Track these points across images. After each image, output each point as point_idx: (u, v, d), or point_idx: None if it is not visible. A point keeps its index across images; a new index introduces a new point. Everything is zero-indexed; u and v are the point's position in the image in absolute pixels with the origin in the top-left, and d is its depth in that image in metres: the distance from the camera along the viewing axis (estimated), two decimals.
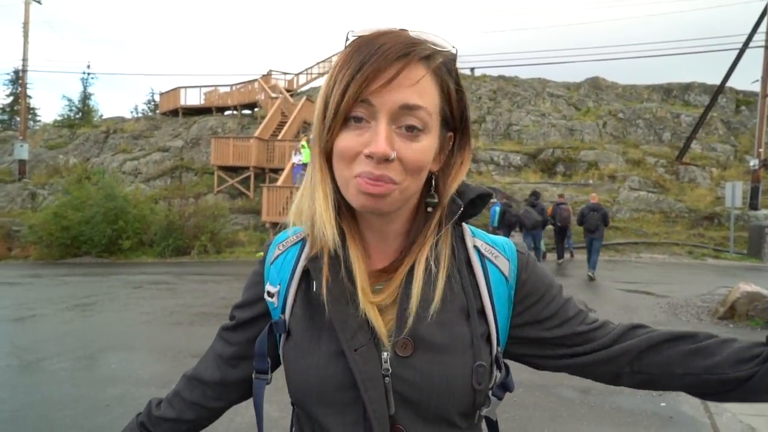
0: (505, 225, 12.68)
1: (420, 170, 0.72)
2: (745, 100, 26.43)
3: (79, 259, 15.93)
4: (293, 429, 0.86)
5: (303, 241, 0.83)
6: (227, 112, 28.38)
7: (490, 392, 0.78)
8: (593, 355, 0.81)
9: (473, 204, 0.82)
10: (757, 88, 18.69)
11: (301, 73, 29.24)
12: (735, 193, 15.73)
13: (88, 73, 41.67)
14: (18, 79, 34.59)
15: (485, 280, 0.80)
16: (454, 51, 0.74)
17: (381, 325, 0.73)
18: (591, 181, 20.80)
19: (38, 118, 44.74)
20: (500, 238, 0.87)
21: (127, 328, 6.70)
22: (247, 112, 27.47)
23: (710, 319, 7.04)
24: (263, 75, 27.71)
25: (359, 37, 0.71)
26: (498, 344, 0.80)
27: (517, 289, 0.82)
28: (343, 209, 0.77)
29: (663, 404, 4.17)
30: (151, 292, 9.63)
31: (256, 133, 20.60)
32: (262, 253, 0.89)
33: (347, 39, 0.72)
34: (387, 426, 0.71)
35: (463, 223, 0.85)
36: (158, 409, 0.95)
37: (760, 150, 17.69)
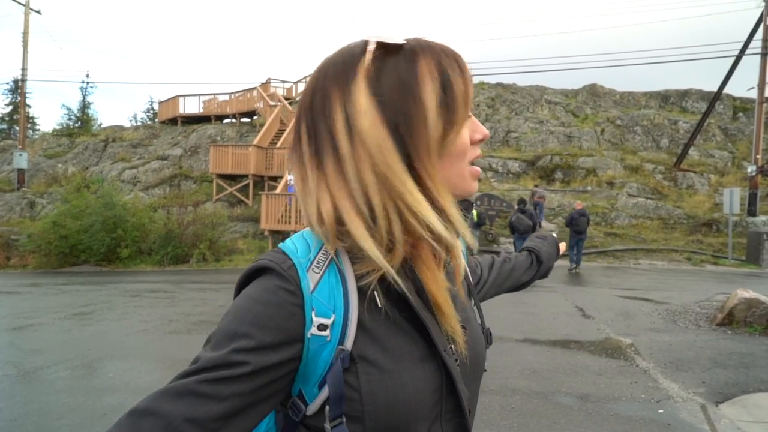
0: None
1: None
2: (742, 106, 26.55)
3: (77, 267, 15.90)
4: None
5: (334, 259, 0.73)
6: (226, 121, 28.44)
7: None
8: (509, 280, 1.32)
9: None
10: (754, 95, 18.78)
11: (299, 81, 29.32)
12: (733, 199, 15.76)
13: (87, 82, 41.89)
14: (17, 88, 34.69)
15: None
16: None
17: (460, 334, 0.77)
18: (589, 188, 20.83)
19: (37, 127, 44.82)
20: None
21: (125, 336, 6.69)
22: (245, 120, 27.54)
23: (708, 326, 7.04)
24: (262, 83, 27.81)
25: (424, 41, 0.74)
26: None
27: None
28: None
29: (661, 411, 4.17)
30: (150, 300, 9.61)
31: (255, 141, 20.65)
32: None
33: (391, 42, 0.71)
34: (473, 414, 0.82)
35: None
36: None
37: (758, 156, 17.75)
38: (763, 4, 18.18)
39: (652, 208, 18.74)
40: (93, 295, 10.39)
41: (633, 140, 24.85)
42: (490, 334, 0.95)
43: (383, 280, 0.70)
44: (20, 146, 24.49)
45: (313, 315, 0.69)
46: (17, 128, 35.04)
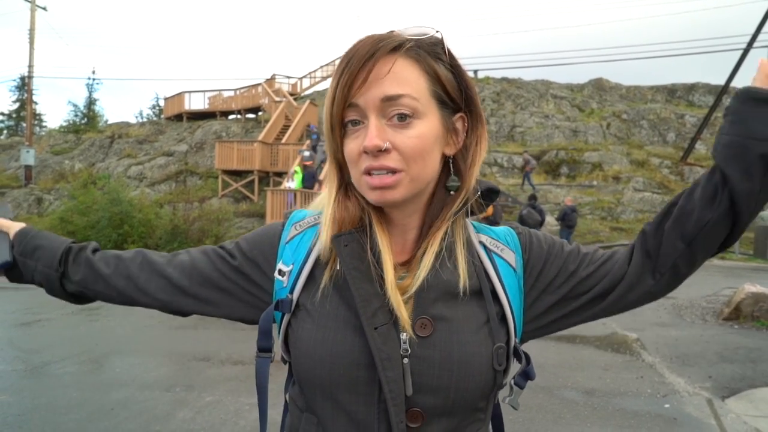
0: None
1: (422, 156, 0.74)
2: None
3: None
4: (286, 427, 0.87)
5: (319, 225, 0.82)
6: (231, 117, 28.47)
7: (512, 381, 0.81)
8: (617, 290, 0.82)
9: (484, 196, 0.84)
10: None
11: (304, 76, 29.34)
12: None
13: (94, 79, 42.06)
14: (24, 85, 34.87)
15: (495, 271, 0.81)
16: (435, 34, 0.76)
17: (402, 307, 0.74)
18: (595, 183, 20.75)
19: (44, 124, 45.08)
20: (501, 229, 0.88)
21: (131, 332, 6.73)
22: (251, 116, 27.56)
23: (715, 320, 7.02)
24: (267, 79, 27.81)
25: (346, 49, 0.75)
26: (515, 334, 0.80)
27: (525, 274, 0.84)
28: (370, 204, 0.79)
29: (667, 405, 4.16)
30: None
31: (260, 137, 20.66)
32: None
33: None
34: (403, 408, 0.71)
35: (467, 219, 0.85)
36: (93, 254, 0.92)
37: None
38: None
39: (658, 203, 18.64)
40: None
41: (639, 134, 24.71)
42: (506, 355, 0.78)
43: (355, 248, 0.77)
44: (27, 143, 24.61)
45: (280, 262, 0.84)
46: (24, 125, 35.21)
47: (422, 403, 0.73)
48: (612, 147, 23.23)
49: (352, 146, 0.74)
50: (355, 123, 0.74)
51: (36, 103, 39.90)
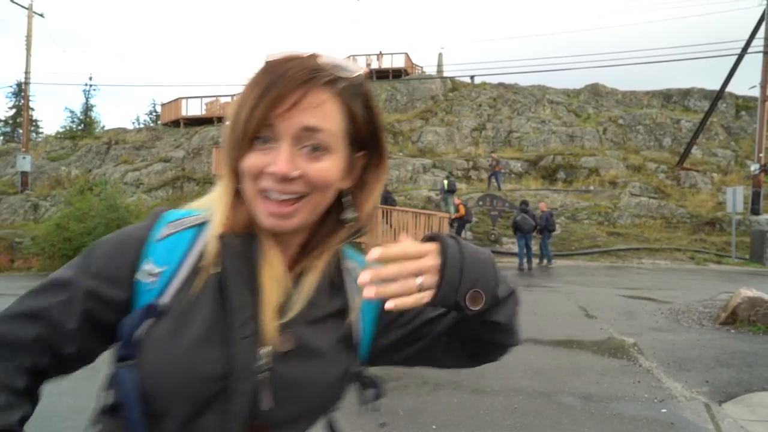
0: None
1: (326, 187, 0.75)
2: (744, 105, 26.50)
3: None
4: None
5: (200, 226, 0.79)
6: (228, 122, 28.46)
7: (364, 397, 0.84)
8: (434, 339, 0.87)
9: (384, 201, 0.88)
10: (756, 93, 18.73)
11: None
12: (736, 198, 15.72)
13: (90, 85, 42.04)
14: (21, 91, 34.84)
15: (355, 298, 0.84)
16: (361, 74, 0.77)
17: (272, 322, 0.74)
18: (592, 188, 20.81)
19: (41, 130, 45.01)
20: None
21: None
22: None
23: (712, 325, 7.03)
24: None
25: (269, 60, 0.73)
26: (363, 358, 0.86)
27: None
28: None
29: (664, 410, 4.16)
30: None
31: None
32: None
33: (263, 62, 0.75)
34: (243, 421, 0.71)
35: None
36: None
37: (761, 155, 17.70)
38: (765, 2, 18.15)
39: (654, 208, 18.70)
40: None
41: (635, 139, 24.82)
42: (353, 378, 0.84)
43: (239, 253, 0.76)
44: (24, 149, 24.59)
45: (149, 262, 0.76)
46: (21, 131, 35.14)
47: (271, 416, 0.74)
48: (608, 152, 23.32)
49: (255, 162, 0.72)
50: (264, 140, 0.72)
51: (32, 110, 39.79)
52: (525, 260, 13.38)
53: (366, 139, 0.80)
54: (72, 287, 0.75)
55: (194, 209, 0.82)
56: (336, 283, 0.83)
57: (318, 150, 0.73)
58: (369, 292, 0.65)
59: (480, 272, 0.72)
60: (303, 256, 0.81)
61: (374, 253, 0.67)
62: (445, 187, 17.89)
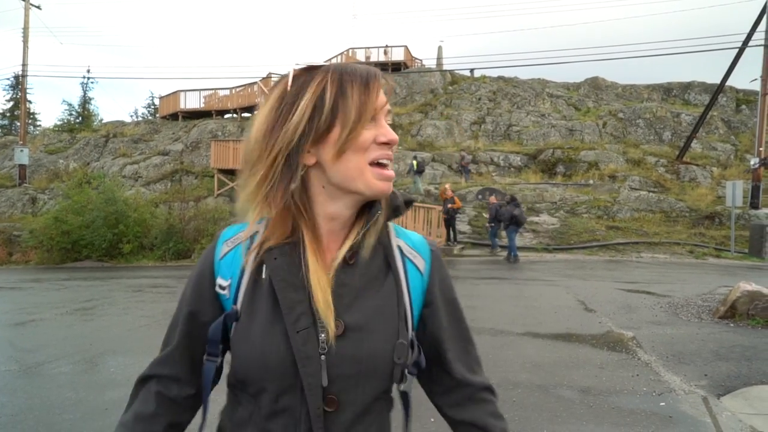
0: (498, 220, 14.31)
1: None
2: (745, 98, 26.44)
3: (79, 263, 15.94)
4: (224, 415, 0.97)
5: (251, 238, 0.92)
6: (227, 116, 28.41)
7: (406, 370, 0.92)
8: (437, 387, 1.02)
9: (399, 208, 0.98)
10: (757, 86, 18.68)
11: None
12: (735, 192, 15.70)
13: (88, 78, 41.84)
14: (18, 84, 34.69)
15: (405, 274, 0.94)
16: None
17: (329, 314, 0.85)
18: (591, 181, 20.79)
19: (38, 123, 44.87)
20: (417, 238, 1.01)
21: (126, 331, 6.70)
22: (246, 114, 27.49)
23: (711, 318, 7.03)
24: (263, 78, 27.68)
25: (334, 64, 0.90)
26: (413, 328, 0.95)
27: (429, 281, 0.98)
28: (295, 203, 0.88)
29: (662, 404, 4.16)
30: (152, 295, 9.63)
31: None
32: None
33: (295, 70, 0.90)
34: (319, 396, 0.84)
35: (389, 222, 0.98)
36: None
37: (761, 149, 17.67)
38: None
39: (654, 202, 18.69)
40: (95, 291, 10.41)
41: (635, 133, 24.77)
42: (407, 349, 0.91)
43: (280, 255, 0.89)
44: (21, 142, 24.51)
45: (218, 277, 0.93)
46: (18, 124, 35.04)
47: (337, 391, 0.85)
48: (608, 146, 23.28)
49: (368, 135, 0.86)
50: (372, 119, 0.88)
51: (30, 102, 39.66)
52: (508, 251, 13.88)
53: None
54: (178, 313, 0.99)
55: (245, 221, 0.94)
56: (388, 260, 0.93)
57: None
58: None
59: None
60: (349, 247, 0.90)
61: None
62: (414, 167, 17.83)
